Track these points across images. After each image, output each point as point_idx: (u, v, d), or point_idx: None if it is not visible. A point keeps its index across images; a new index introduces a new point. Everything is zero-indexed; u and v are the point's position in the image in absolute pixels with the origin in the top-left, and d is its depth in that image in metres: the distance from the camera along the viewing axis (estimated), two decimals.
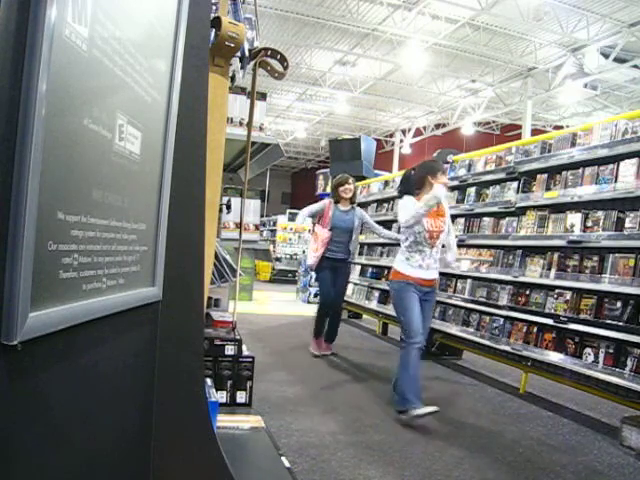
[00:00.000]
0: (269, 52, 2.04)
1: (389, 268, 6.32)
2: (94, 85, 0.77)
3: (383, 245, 6.58)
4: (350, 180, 4.91)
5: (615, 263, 3.18)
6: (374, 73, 12.87)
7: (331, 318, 4.97)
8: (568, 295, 3.49)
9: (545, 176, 3.89)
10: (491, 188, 4.53)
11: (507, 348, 3.95)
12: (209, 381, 2.30)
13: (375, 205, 7.04)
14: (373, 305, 6.50)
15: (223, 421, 2.15)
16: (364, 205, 7.44)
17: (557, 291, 3.60)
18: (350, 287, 7.31)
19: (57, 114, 0.66)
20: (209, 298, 2.97)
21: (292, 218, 15.22)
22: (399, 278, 3.25)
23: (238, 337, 2.58)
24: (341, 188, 4.89)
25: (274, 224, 15.78)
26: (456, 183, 4.97)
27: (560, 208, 3.72)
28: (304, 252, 14.01)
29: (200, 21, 1.29)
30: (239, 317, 2.87)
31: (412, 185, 3.41)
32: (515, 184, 4.20)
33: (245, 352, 2.59)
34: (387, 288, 6.22)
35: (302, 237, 15.07)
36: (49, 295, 0.69)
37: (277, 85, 13.98)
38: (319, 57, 12.55)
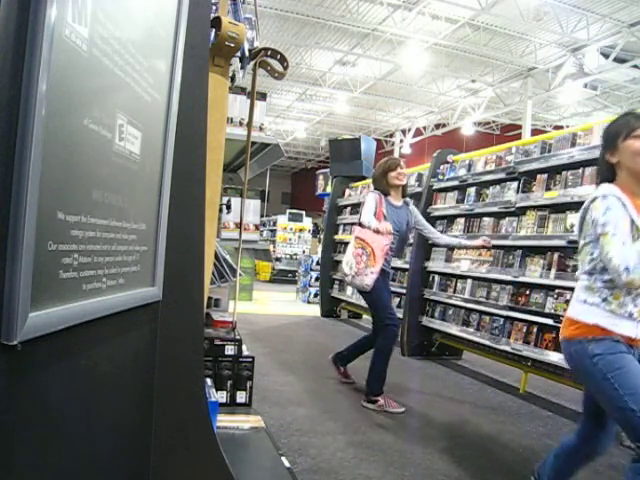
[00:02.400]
0: (269, 52, 2.03)
1: None
2: (94, 85, 0.77)
3: None
4: (402, 163, 3.66)
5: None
6: (374, 73, 12.87)
7: (367, 340, 3.80)
8: (568, 295, 3.49)
9: (545, 176, 3.89)
10: (491, 188, 4.53)
11: (507, 348, 3.94)
12: (209, 381, 2.30)
13: None
14: None
15: (223, 421, 2.15)
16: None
17: (557, 291, 3.60)
18: (350, 287, 7.32)
19: (57, 114, 0.66)
20: (209, 298, 2.96)
21: (292, 218, 15.23)
22: (597, 334, 1.69)
23: (238, 337, 2.58)
24: (392, 174, 3.55)
25: (274, 224, 15.78)
26: (456, 183, 4.97)
27: (560, 208, 3.71)
28: (304, 252, 14.01)
29: (200, 21, 1.29)
30: (239, 317, 2.87)
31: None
32: (515, 184, 4.20)
33: (245, 352, 2.59)
34: None
35: (302, 237, 15.08)
36: (49, 295, 0.69)
37: (277, 85, 13.97)
38: (319, 57, 12.54)
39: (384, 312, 3.48)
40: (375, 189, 3.65)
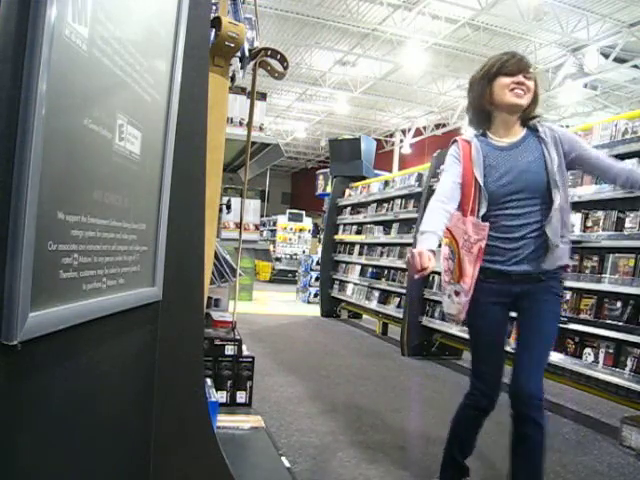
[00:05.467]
0: (269, 52, 2.03)
1: (389, 268, 6.37)
2: (94, 85, 0.77)
3: (383, 245, 6.58)
4: (525, 61, 1.89)
5: (615, 263, 3.18)
6: (374, 73, 12.87)
7: (516, 439, 1.96)
8: (568, 295, 3.49)
9: None
10: None
11: (507, 348, 3.93)
12: (209, 381, 2.30)
13: (375, 205, 7.04)
14: (373, 305, 6.50)
15: (223, 421, 2.15)
16: (364, 205, 7.45)
17: None
18: (350, 287, 7.32)
19: (57, 114, 0.66)
20: (209, 298, 2.96)
21: (292, 218, 15.23)
22: None
23: (238, 337, 2.58)
24: (503, 82, 1.86)
25: (274, 224, 15.78)
26: None
27: None
28: (304, 252, 14.00)
29: (200, 21, 1.29)
30: (239, 317, 2.87)
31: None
32: None
33: (245, 352, 2.59)
34: (387, 288, 6.25)
35: (302, 237, 15.08)
36: (49, 295, 0.69)
37: (277, 85, 13.97)
38: (319, 57, 12.54)
39: (471, 369, 2.09)
40: (471, 124, 2.07)
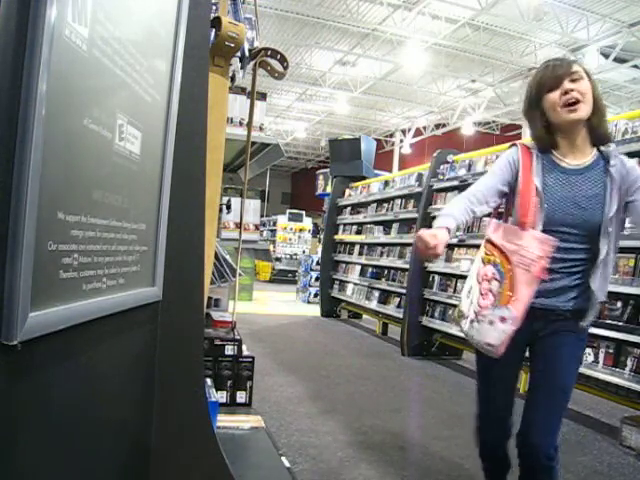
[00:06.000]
0: (269, 52, 2.03)
1: (389, 268, 6.37)
2: (94, 85, 0.77)
3: (383, 245, 6.58)
4: (564, 64, 1.60)
5: (615, 263, 3.18)
6: (374, 73, 12.87)
7: None
8: None
9: None
10: None
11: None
12: (209, 381, 2.29)
13: (375, 205, 7.04)
14: (373, 305, 6.50)
15: (223, 421, 2.15)
16: (364, 205, 7.45)
17: None
18: (350, 287, 7.32)
19: (57, 114, 0.66)
20: (209, 298, 2.96)
21: (292, 218, 15.22)
22: None
23: (238, 337, 2.58)
24: (552, 97, 1.57)
25: (274, 224, 15.78)
26: (456, 183, 4.97)
27: None
28: (304, 252, 14.01)
29: (200, 21, 1.29)
30: (239, 317, 2.87)
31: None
32: None
33: (245, 352, 2.59)
34: (387, 288, 6.25)
35: (302, 237, 15.08)
36: (49, 295, 0.69)
37: (277, 85, 13.97)
38: (319, 57, 12.54)
39: (477, 413, 1.84)
40: (533, 137, 1.71)
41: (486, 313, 1.57)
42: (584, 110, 1.53)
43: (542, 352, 1.65)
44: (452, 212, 1.65)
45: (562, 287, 1.60)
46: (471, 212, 1.66)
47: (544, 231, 1.56)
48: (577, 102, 1.52)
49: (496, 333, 1.55)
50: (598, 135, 1.62)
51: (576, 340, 1.64)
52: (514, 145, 1.73)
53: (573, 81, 1.54)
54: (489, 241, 1.65)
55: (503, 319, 1.54)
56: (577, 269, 1.60)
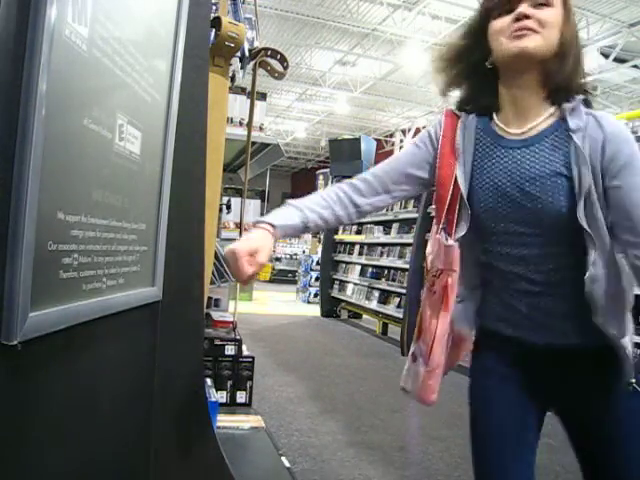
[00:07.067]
0: (269, 52, 2.03)
1: (389, 268, 6.37)
2: (94, 85, 0.77)
3: (383, 245, 6.58)
4: None
5: None
6: (374, 73, 12.86)
7: None
8: None
9: None
10: None
11: None
12: (209, 381, 2.29)
13: None
14: (373, 305, 6.50)
15: (223, 421, 2.15)
16: None
17: None
18: (350, 287, 7.32)
19: (57, 114, 0.66)
20: (209, 298, 2.96)
21: None
22: None
23: (238, 337, 2.58)
24: (496, 26, 1.06)
25: None
26: None
27: None
28: (304, 252, 14.01)
29: (200, 21, 1.29)
30: (239, 317, 2.87)
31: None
32: None
33: (245, 352, 2.59)
34: (387, 288, 6.25)
35: (302, 237, 15.07)
36: (49, 295, 0.69)
37: (277, 85, 13.97)
38: (319, 57, 12.54)
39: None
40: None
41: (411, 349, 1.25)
42: (535, 41, 1.00)
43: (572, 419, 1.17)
44: (302, 202, 1.15)
45: (556, 313, 1.06)
46: (350, 203, 1.16)
47: (484, 234, 1.09)
48: (533, 32, 1.01)
49: (408, 377, 1.26)
50: (558, 84, 1.05)
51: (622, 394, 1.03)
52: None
53: (536, 6, 1.02)
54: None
55: (414, 357, 1.23)
56: (568, 286, 1.05)
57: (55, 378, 0.76)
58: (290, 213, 1.12)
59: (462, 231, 1.09)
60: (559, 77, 1.04)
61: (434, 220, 1.17)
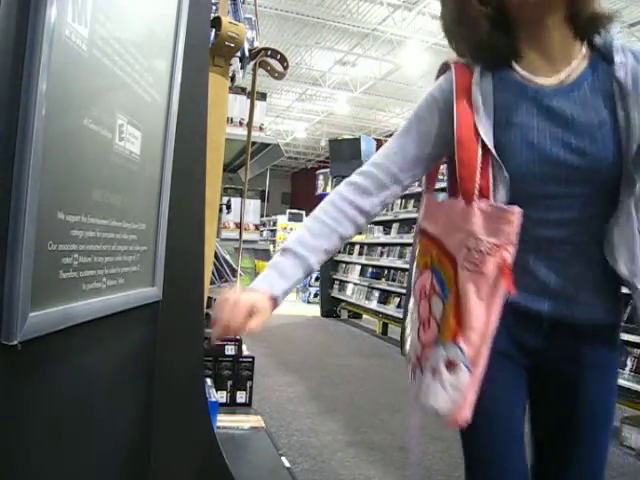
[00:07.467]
0: (269, 52, 2.03)
1: (389, 268, 6.37)
2: (94, 85, 0.77)
3: (383, 245, 6.58)
4: None
5: None
6: (374, 73, 12.87)
7: None
8: None
9: None
10: None
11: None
12: (209, 381, 2.30)
13: None
14: (373, 305, 6.50)
15: (223, 421, 2.15)
16: None
17: None
18: (350, 287, 7.32)
19: (57, 114, 0.66)
20: (209, 298, 2.96)
21: (292, 218, 15.21)
22: None
23: (238, 337, 2.58)
24: None
25: (274, 224, 15.77)
26: None
27: None
28: None
29: (200, 21, 1.29)
30: None
31: None
32: None
33: (245, 352, 2.59)
34: (387, 288, 6.24)
35: None
36: (49, 295, 0.69)
37: (277, 85, 13.97)
38: (319, 57, 12.54)
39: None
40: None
41: (430, 355, 0.98)
42: None
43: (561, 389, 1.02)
44: (303, 242, 0.97)
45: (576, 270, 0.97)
46: (358, 214, 1.03)
47: (514, 201, 0.90)
48: None
49: (444, 392, 0.92)
50: (585, 17, 0.92)
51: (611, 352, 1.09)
52: (445, 67, 1.10)
53: None
54: (423, 231, 1.11)
55: (452, 364, 0.91)
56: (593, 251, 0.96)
57: (55, 378, 0.76)
58: (290, 270, 0.95)
59: (502, 196, 0.92)
60: (588, 7, 0.92)
61: (461, 191, 0.95)
